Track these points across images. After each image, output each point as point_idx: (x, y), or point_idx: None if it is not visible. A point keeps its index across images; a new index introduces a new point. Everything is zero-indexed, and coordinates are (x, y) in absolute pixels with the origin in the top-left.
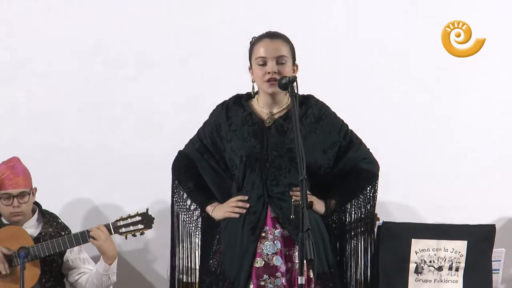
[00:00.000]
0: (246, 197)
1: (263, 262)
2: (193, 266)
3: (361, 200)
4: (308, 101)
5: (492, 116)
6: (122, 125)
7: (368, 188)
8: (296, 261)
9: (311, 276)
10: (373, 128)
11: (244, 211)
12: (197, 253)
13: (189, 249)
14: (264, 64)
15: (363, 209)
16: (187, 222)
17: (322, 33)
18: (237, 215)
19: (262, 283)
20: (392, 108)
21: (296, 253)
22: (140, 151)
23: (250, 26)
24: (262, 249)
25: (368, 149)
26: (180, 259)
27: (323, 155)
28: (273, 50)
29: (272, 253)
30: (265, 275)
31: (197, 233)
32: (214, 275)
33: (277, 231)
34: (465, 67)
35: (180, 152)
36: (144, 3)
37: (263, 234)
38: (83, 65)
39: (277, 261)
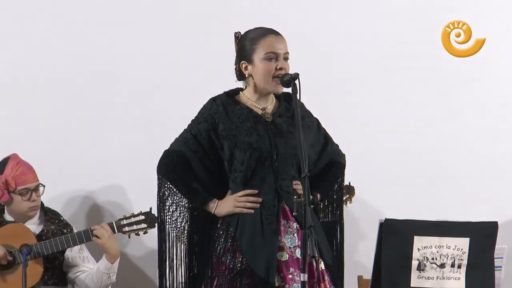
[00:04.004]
0: (256, 191)
1: (288, 256)
2: (180, 269)
3: (335, 189)
4: (290, 98)
5: (493, 115)
6: (126, 123)
7: (340, 178)
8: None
9: (323, 268)
10: (374, 128)
11: (258, 205)
12: (182, 256)
13: (176, 251)
14: (274, 59)
15: (336, 197)
16: (173, 229)
17: (321, 32)
18: (251, 211)
19: (290, 276)
20: (392, 107)
21: None
22: (143, 150)
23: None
24: (285, 243)
25: None
26: (171, 269)
27: (313, 149)
28: (281, 46)
29: (294, 246)
30: (291, 268)
31: (181, 236)
32: (233, 271)
33: (294, 224)
34: (465, 67)
35: (169, 151)
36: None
37: (283, 228)
38: (88, 63)
39: (299, 253)
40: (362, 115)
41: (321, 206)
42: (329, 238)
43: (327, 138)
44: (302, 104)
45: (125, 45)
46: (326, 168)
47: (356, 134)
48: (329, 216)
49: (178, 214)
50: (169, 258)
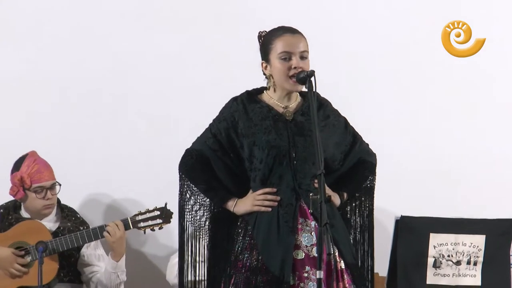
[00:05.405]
0: (275, 190)
1: (304, 254)
2: (200, 267)
3: (364, 190)
4: (316, 97)
5: (493, 115)
6: (141, 120)
7: (370, 178)
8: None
9: (343, 267)
10: (376, 126)
11: (276, 204)
12: (204, 253)
13: (197, 249)
14: (288, 59)
15: (365, 198)
16: (191, 223)
17: (320, 33)
18: (269, 209)
19: (305, 275)
20: (391, 107)
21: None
22: (159, 146)
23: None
24: (301, 241)
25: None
26: (187, 260)
27: (337, 148)
28: (296, 45)
29: (311, 245)
30: (307, 267)
31: (202, 234)
32: (250, 270)
33: (312, 223)
34: (465, 67)
35: (189, 150)
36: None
37: (300, 226)
38: (104, 62)
39: (316, 252)
40: (363, 115)
41: (348, 206)
42: (357, 238)
43: (355, 137)
44: (329, 103)
45: (141, 44)
46: (355, 167)
47: (368, 133)
48: (358, 215)
49: (201, 214)
50: (190, 256)
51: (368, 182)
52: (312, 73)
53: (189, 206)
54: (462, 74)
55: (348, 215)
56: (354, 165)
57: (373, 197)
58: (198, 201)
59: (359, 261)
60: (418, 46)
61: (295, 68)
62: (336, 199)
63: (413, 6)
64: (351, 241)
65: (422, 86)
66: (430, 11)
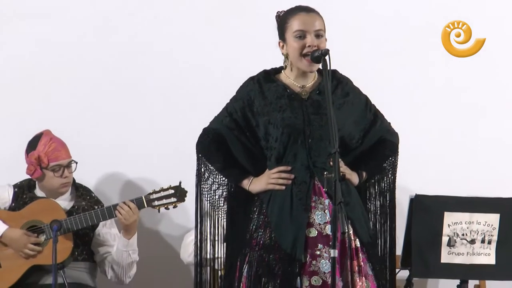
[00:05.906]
0: (289, 168)
1: (316, 232)
2: (218, 243)
3: (385, 170)
4: (334, 75)
5: (492, 116)
6: (156, 98)
7: (391, 158)
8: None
9: (358, 245)
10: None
11: (290, 182)
12: (221, 231)
13: (213, 227)
14: (302, 37)
15: (386, 178)
16: (209, 202)
17: None
18: (283, 187)
19: (318, 253)
20: (391, 107)
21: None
22: (173, 124)
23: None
24: (314, 219)
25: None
26: (205, 238)
27: (356, 127)
28: (311, 23)
29: (324, 223)
30: (319, 245)
31: (219, 213)
32: (263, 248)
33: (326, 201)
34: (465, 67)
35: (206, 129)
36: None
37: (313, 204)
38: (118, 36)
39: (329, 230)
40: None
41: (368, 184)
42: (377, 218)
43: (376, 115)
44: (349, 81)
45: (160, 29)
46: (375, 146)
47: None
48: (378, 195)
49: (220, 193)
50: (208, 235)
51: (389, 162)
52: (326, 52)
53: (207, 186)
54: (462, 74)
55: (368, 195)
56: (374, 144)
57: (395, 176)
58: (217, 180)
59: (381, 242)
60: (418, 46)
61: (309, 46)
62: (354, 178)
63: (413, 6)
64: (371, 221)
65: (422, 86)
66: (430, 11)
